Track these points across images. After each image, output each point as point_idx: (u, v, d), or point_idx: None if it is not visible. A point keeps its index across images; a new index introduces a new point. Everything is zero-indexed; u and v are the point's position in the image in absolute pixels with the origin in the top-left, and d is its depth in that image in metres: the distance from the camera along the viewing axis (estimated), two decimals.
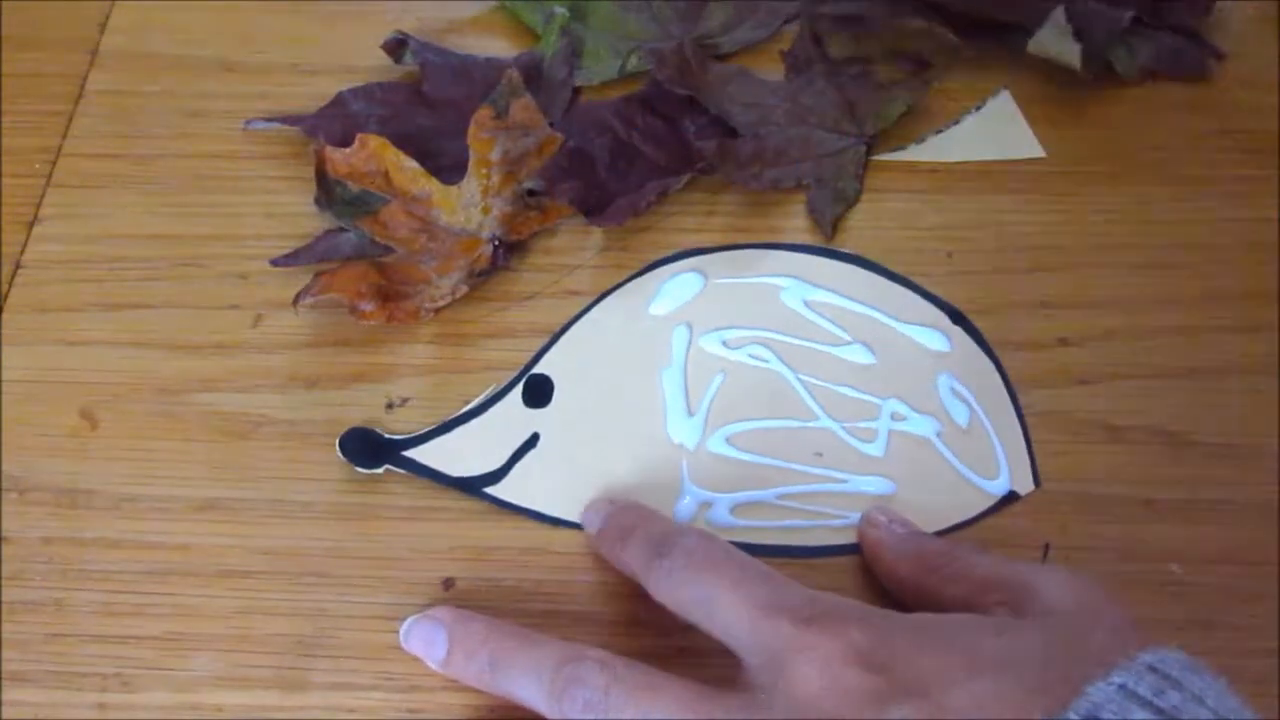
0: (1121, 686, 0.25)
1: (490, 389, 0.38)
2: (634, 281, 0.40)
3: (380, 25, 0.45)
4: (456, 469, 0.36)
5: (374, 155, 0.41)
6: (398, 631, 0.33)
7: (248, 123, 0.43)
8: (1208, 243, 0.40)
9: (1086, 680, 0.25)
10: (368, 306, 0.38)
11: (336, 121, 0.43)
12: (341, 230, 0.41)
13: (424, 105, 0.44)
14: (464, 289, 0.39)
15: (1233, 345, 0.38)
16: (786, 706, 0.26)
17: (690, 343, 0.39)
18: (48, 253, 0.41)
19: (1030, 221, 0.41)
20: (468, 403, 0.38)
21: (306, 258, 0.40)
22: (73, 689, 0.33)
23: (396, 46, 0.44)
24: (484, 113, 0.41)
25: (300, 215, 0.41)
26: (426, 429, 0.37)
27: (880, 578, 0.34)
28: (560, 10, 0.45)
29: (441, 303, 0.39)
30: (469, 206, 0.40)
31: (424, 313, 0.39)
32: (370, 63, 0.45)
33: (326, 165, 0.41)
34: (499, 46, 0.46)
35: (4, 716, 0.33)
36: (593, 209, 0.40)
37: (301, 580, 0.35)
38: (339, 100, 0.44)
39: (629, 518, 0.33)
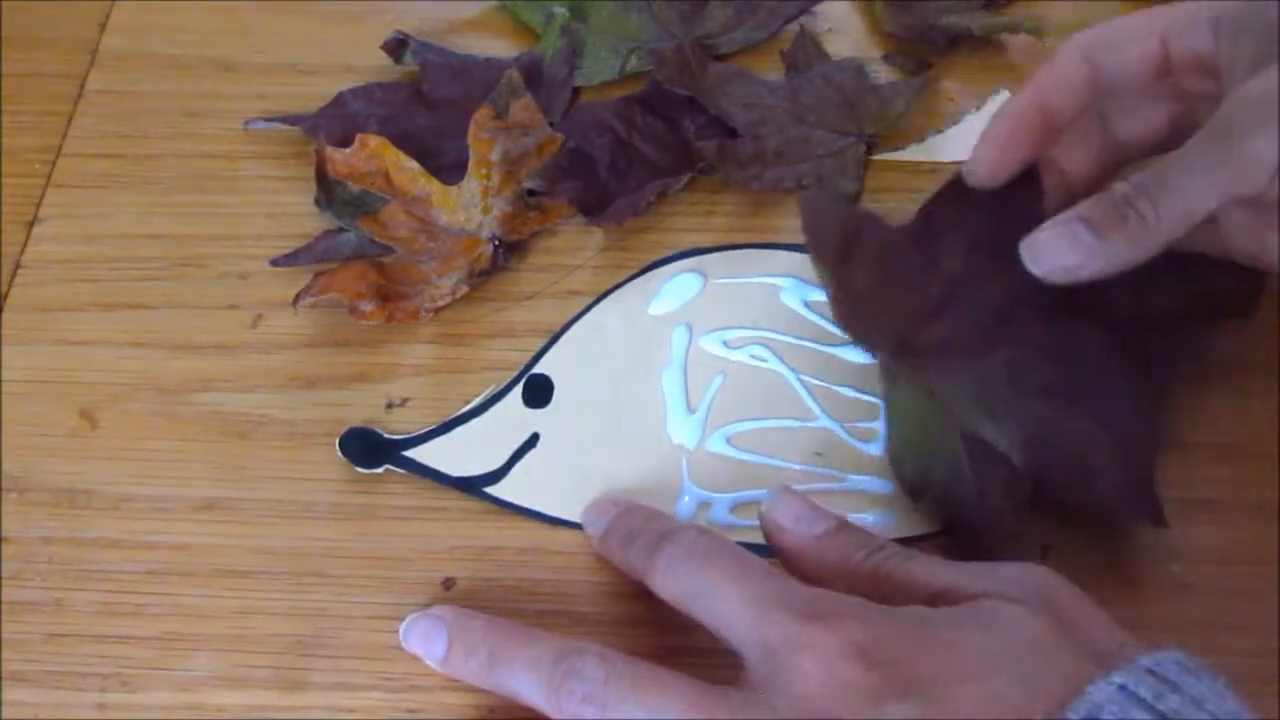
0: (1122, 687, 0.25)
1: (490, 389, 0.38)
2: (634, 282, 0.40)
3: (380, 25, 0.45)
4: (456, 469, 0.36)
5: (374, 155, 0.41)
6: (397, 631, 0.33)
7: (248, 123, 0.44)
8: None
9: (1086, 679, 0.25)
10: (367, 306, 0.38)
11: (336, 121, 0.43)
12: (341, 230, 0.41)
13: (424, 105, 0.44)
14: (464, 289, 0.39)
15: (1233, 345, 0.38)
16: (787, 703, 0.26)
17: (690, 343, 0.39)
18: (48, 253, 0.41)
19: None
20: (468, 403, 0.38)
21: (306, 258, 0.40)
22: (73, 689, 0.33)
23: (396, 46, 0.44)
24: (484, 113, 0.41)
25: (300, 215, 0.41)
26: (426, 429, 0.37)
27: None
28: (560, 10, 0.45)
29: (441, 303, 0.39)
30: (469, 206, 0.40)
31: (424, 313, 0.39)
32: (370, 63, 0.45)
33: (326, 165, 0.41)
34: (499, 46, 0.46)
35: (4, 716, 0.33)
36: (593, 209, 0.40)
37: (301, 580, 0.35)
38: (339, 100, 0.44)
39: (633, 520, 0.33)
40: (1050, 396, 0.34)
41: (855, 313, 0.36)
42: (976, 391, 0.34)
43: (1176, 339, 0.36)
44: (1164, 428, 0.35)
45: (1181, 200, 0.31)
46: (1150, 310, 0.35)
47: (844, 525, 0.31)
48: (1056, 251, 0.32)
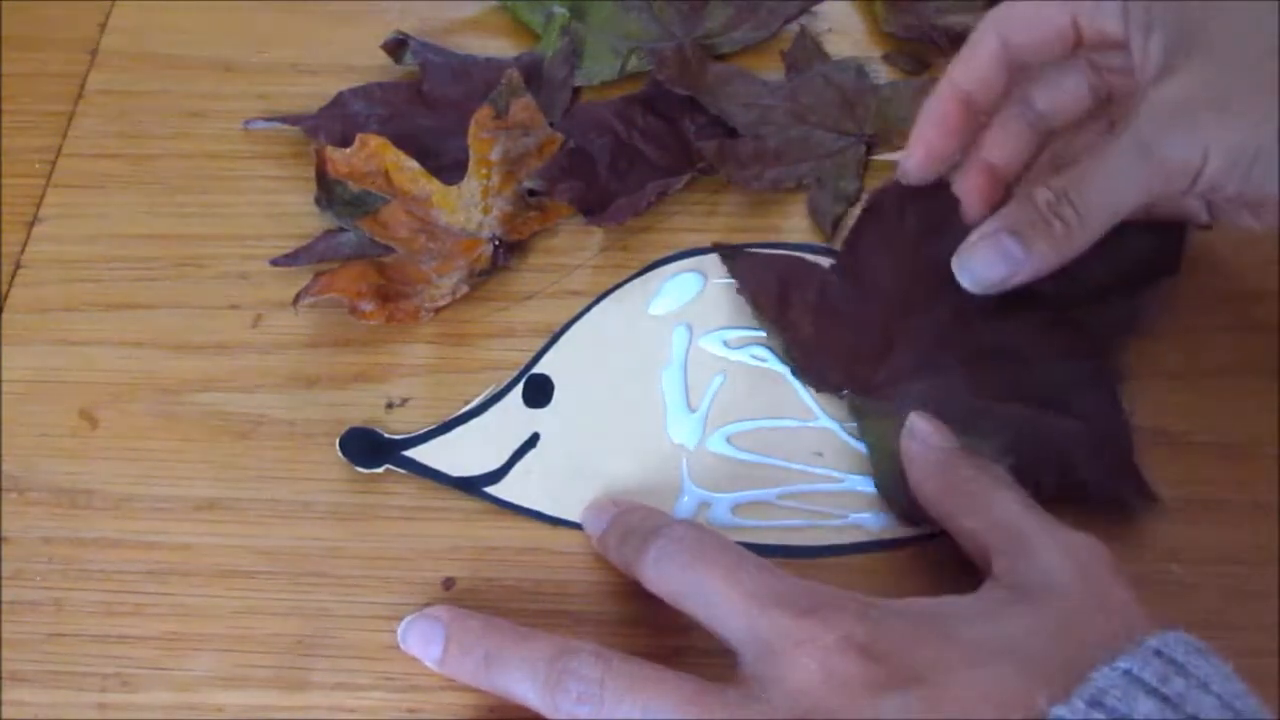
0: (1127, 672, 0.25)
1: (490, 389, 0.38)
2: (634, 281, 0.40)
3: (380, 25, 0.45)
4: (457, 469, 0.36)
5: (374, 155, 0.41)
6: (397, 631, 0.33)
7: (248, 122, 0.44)
8: (1207, 242, 0.40)
9: (1091, 665, 0.25)
10: (368, 306, 0.38)
11: (336, 121, 0.43)
12: (341, 230, 0.41)
13: (424, 105, 0.44)
14: (464, 289, 0.39)
15: (1233, 345, 0.38)
16: (785, 698, 0.26)
17: (690, 343, 0.39)
18: (48, 253, 0.41)
19: None
20: (468, 403, 0.38)
21: (306, 258, 0.40)
22: (73, 689, 0.33)
23: (396, 46, 0.44)
24: (484, 113, 0.41)
25: (300, 215, 0.41)
26: (427, 429, 0.37)
27: (910, 487, 0.34)
28: (560, 10, 0.45)
29: (441, 302, 0.39)
30: (469, 206, 0.40)
31: (424, 313, 0.39)
32: (370, 62, 0.45)
33: (327, 165, 0.41)
34: (499, 46, 0.46)
35: (4, 716, 0.33)
36: (593, 209, 0.40)
37: (301, 580, 0.35)
38: (339, 100, 0.44)
39: (631, 519, 0.33)
40: (1017, 398, 0.35)
41: (808, 360, 0.37)
42: (946, 410, 0.35)
43: (1110, 308, 0.37)
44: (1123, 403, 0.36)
45: (1106, 202, 0.32)
46: (1079, 282, 0.36)
47: (966, 450, 0.33)
48: (987, 265, 0.33)
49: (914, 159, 0.37)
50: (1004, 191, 0.37)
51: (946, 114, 0.36)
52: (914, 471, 0.34)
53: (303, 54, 0.46)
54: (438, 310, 0.39)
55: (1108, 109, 0.37)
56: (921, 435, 0.34)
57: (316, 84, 0.45)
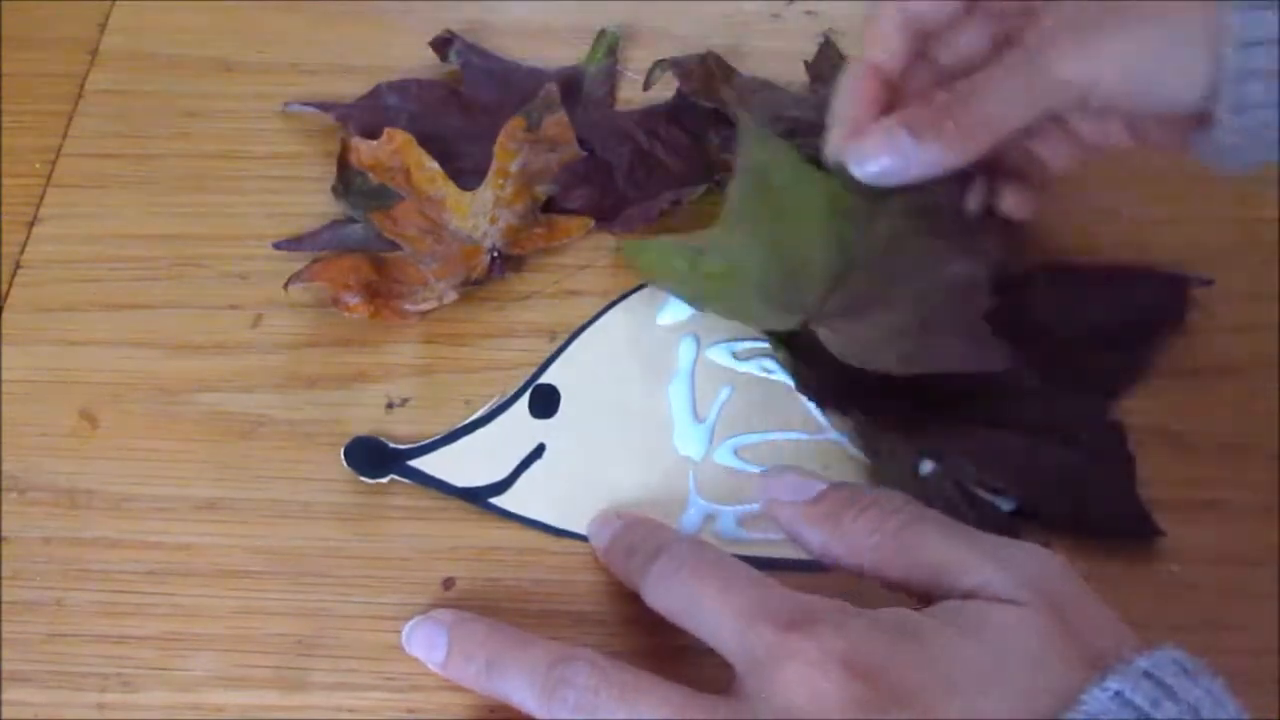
0: (1118, 694, 0.24)
1: (495, 399, 0.38)
2: (642, 291, 0.40)
3: (380, 26, 0.45)
4: (462, 479, 0.36)
5: (398, 151, 0.41)
6: (397, 631, 0.33)
7: (286, 105, 0.44)
8: (1208, 243, 0.40)
9: (1079, 686, 0.25)
10: (353, 300, 0.38)
11: (369, 113, 0.43)
12: (351, 221, 0.41)
13: (458, 107, 0.44)
14: (452, 295, 0.39)
15: (1233, 345, 0.38)
16: (772, 713, 0.26)
17: (698, 353, 0.38)
18: (48, 253, 0.41)
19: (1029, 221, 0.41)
20: (468, 402, 0.38)
21: (311, 244, 0.40)
22: (73, 689, 0.33)
23: (442, 45, 0.44)
24: (516, 124, 0.41)
25: (301, 215, 0.41)
26: (432, 439, 0.37)
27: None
28: (612, 30, 0.45)
29: (427, 306, 0.39)
30: (478, 214, 0.40)
31: (408, 314, 0.39)
32: (370, 62, 0.45)
33: (350, 154, 0.41)
34: (551, 52, 0.45)
35: (4, 716, 0.33)
36: (607, 215, 0.40)
37: (301, 580, 0.35)
38: (376, 92, 0.44)
39: (635, 534, 0.33)
40: (1023, 429, 0.35)
41: (813, 376, 0.37)
42: (951, 437, 0.35)
43: (1116, 355, 0.37)
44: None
45: (996, 113, 0.32)
46: (1085, 327, 0.37)
47: (834, 487, 0.31)
48: (876, 153, 0.33)
49: (841, 137, 0.36)
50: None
51: (864, 89, 0.36)
52: (815, 539, 0.30)
53: (303, 54, 0.46)
54: (423, 313, 0.39)
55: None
56: (787, 492, 0.31)
57: (316, 84, 0.45)
